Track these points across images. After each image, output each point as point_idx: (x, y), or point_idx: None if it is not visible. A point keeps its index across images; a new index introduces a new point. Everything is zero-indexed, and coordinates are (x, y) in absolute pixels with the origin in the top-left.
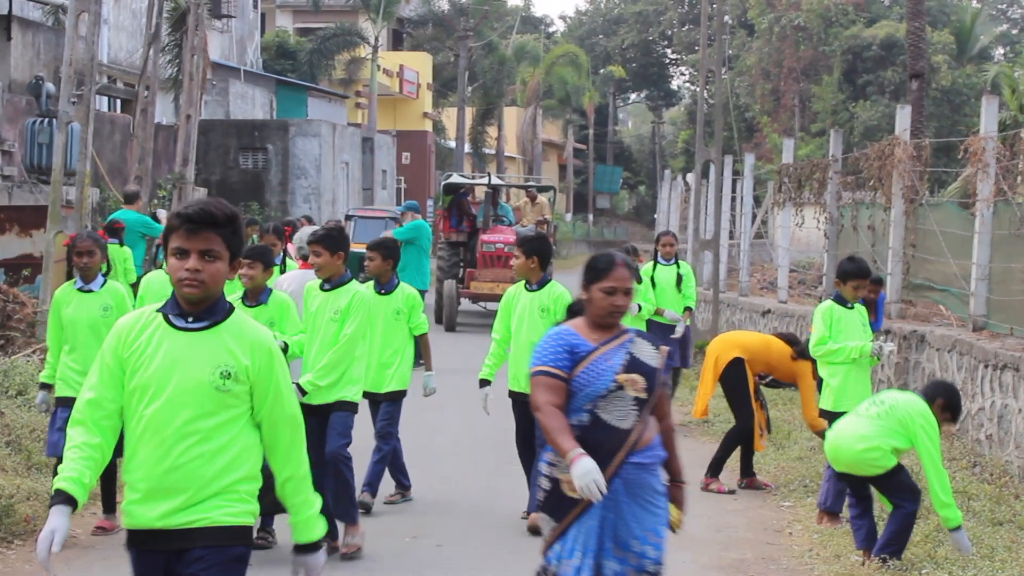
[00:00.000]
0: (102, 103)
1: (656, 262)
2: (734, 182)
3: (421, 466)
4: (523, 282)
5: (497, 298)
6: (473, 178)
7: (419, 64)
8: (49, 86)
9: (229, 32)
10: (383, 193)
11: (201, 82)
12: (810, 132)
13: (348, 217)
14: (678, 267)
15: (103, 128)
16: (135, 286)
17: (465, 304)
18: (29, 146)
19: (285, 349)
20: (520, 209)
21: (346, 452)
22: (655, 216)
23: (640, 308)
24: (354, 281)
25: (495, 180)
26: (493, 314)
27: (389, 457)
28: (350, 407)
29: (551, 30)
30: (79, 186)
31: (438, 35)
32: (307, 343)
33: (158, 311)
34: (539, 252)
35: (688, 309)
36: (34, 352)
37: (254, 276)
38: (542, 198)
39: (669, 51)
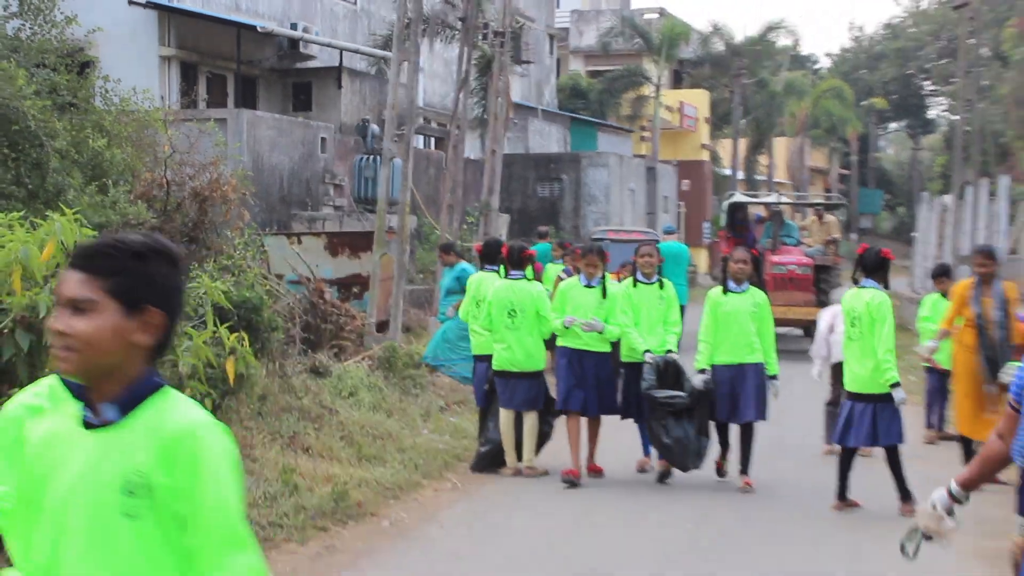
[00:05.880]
0: (418, 141)
1: None
2: (989, 202)
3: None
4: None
5: (790, 323)
6: (757, 196)
7: (697, 100)
8: (373, 127)
9: (528, 76)
10: (665, 217)
11: (504, 121)
12: None
13: (596, 239)
14: None
15: (419, 163)
16: None
17: None
18: (357, 180)
19: None
20: (807, 228)
21: None
22: (913, 235)
23: None
24: None
25: (782, 198)
26: (784, 339)
27: None
28: None
29: (817, 67)
30: (401, 214)
31: (714, 74)
32: None
33: None
34: None
35: None
36: (363, 359)
37: None
38: (830, 217)
39: (927, 83)
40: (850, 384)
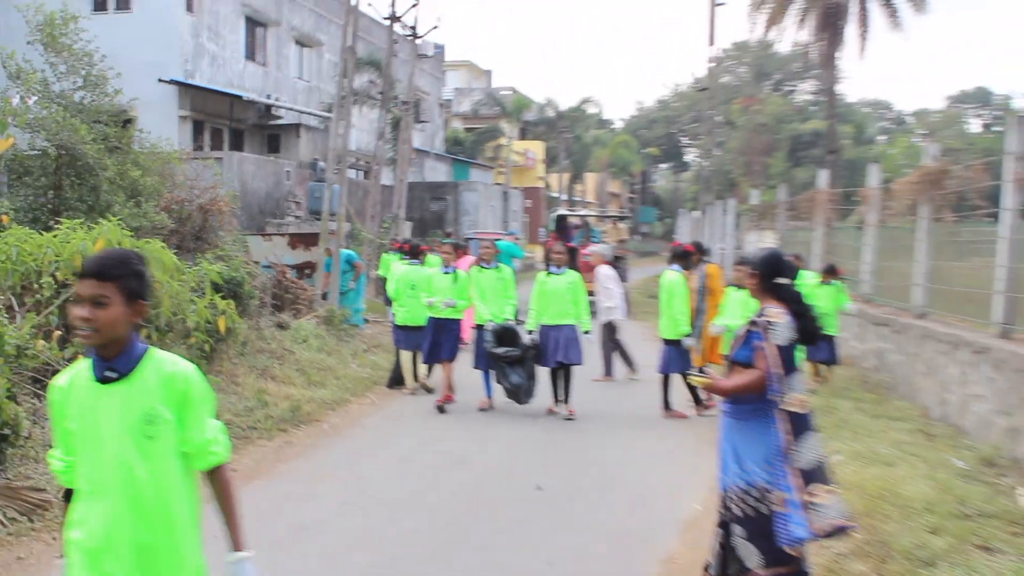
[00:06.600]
0: (351, 173)
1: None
2: (723, 216)
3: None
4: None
5: (593, 293)
6: (574, 211)
7: (536, 147)
8: (321, 164)
9: (424, 131)
10: (514, 224)
11: (408, 160)
12: (768, 186)
13: (468, 239)
14: None
15: (352, 188)
16: None
17: None
18: (310, 198)
19: None
20: (607, 232)
21: None
22: (675, 237)
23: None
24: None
25: (591, 212)
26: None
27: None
28: None
29: (614, 126)
30: (339, 222)
31: (547, 131)
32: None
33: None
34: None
35: None
36: (313, 317)
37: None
38: (622, 224)
39: (684, 138)
40: (661, 333)
